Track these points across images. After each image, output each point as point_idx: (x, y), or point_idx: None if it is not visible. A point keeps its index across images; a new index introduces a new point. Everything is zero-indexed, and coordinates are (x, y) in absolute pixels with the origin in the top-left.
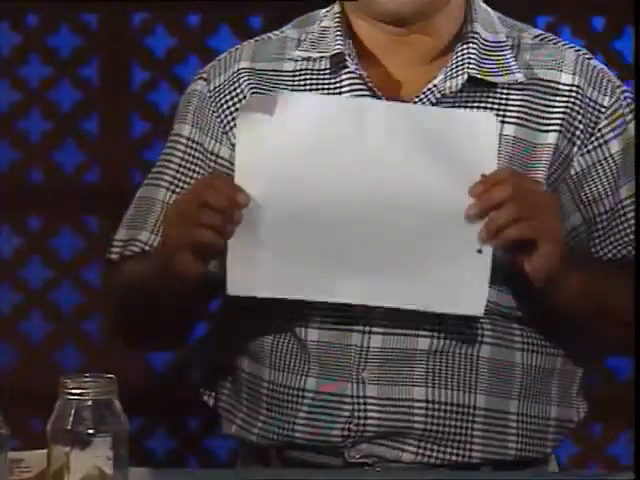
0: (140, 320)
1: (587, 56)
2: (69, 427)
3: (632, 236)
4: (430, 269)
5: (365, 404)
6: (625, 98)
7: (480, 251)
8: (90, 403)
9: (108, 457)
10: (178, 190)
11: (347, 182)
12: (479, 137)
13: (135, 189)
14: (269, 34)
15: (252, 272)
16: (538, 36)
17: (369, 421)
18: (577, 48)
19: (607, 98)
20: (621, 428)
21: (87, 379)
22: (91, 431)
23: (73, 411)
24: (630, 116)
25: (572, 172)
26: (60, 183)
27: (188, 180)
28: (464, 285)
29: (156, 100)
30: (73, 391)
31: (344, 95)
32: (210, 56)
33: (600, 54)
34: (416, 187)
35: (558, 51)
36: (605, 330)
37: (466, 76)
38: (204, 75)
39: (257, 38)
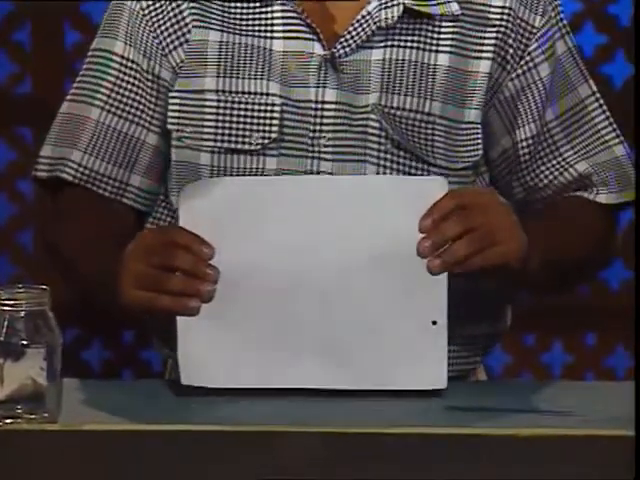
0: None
1: None
2: (2, 338)
3: (556, 161)
4: (383, 346)
5: None
6: (557, 14)
7: (435, 322)
8: (23, 314)
9: (42, 368)
10: (113, 110)
11: (293, 263)
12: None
13: None
14: None
15: (205, 363)
16: None
17: None
18: None
19: (538, 18)
20: (554, 337)
21: (20, 290)
22: (25, 342)
23: (6, 322)
24: (559, 33)
25: (501, 97)
26: None
27: (125, 100)
28: (420, 360)
29: (89, 10)
30: (6, 302)
31: (277, 30)
32: None
33: None
34: (363, 263)
35: None
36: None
37: (402, 7)
38: None
39: None
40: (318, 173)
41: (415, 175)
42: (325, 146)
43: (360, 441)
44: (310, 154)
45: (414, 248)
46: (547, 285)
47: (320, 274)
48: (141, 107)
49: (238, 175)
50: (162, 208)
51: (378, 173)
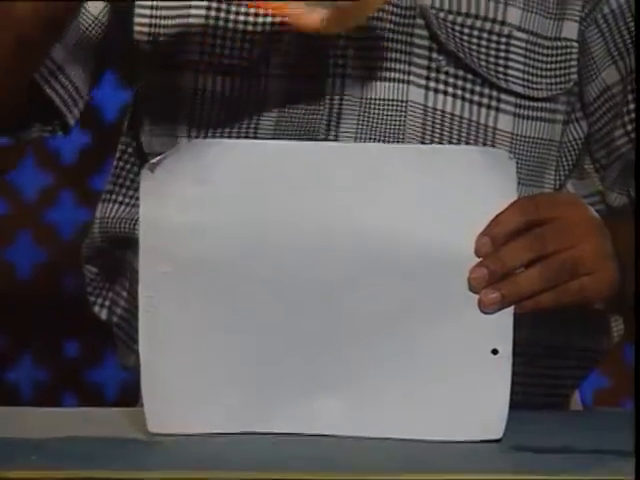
0: None
1: None
2: None
3: None
4: (420, 382)
5: None
6: None
7: (496, 351)
8: None
9: None
10: None
11: (298, 266)
12: (494, 182)
13: None
14: None
15: (177, 405)
16: None
17: None
18: None
19: None
20: None
21: None
22: None
23: None
24: None
25: (606, 10)
26: None
27: None
28: (471, 402)
29: None
30: None
31: None
32: None
33: None
34: (397, 269)
35: None
36: None
37: None
38: None
39: None
40: (342, 99)
41: (479, 103)
42: (353, 59)
43: None
44: (331, 70)
45: (467, 250)
46: None
47: (337, 281)
48: None
49: (230, 104)
50: (129, 155)
51: (426, 98)
